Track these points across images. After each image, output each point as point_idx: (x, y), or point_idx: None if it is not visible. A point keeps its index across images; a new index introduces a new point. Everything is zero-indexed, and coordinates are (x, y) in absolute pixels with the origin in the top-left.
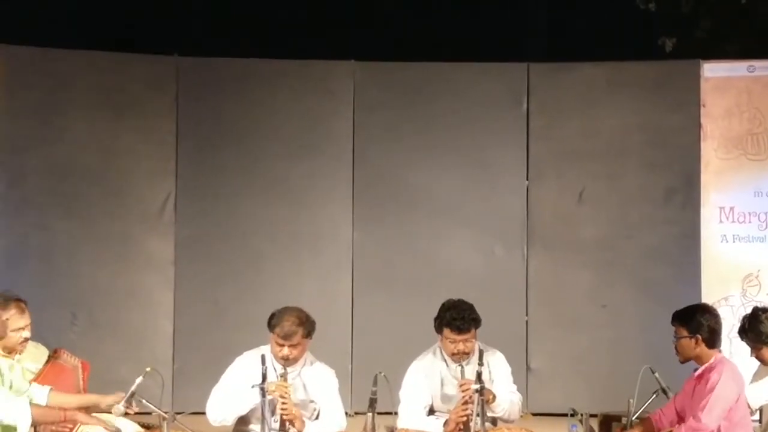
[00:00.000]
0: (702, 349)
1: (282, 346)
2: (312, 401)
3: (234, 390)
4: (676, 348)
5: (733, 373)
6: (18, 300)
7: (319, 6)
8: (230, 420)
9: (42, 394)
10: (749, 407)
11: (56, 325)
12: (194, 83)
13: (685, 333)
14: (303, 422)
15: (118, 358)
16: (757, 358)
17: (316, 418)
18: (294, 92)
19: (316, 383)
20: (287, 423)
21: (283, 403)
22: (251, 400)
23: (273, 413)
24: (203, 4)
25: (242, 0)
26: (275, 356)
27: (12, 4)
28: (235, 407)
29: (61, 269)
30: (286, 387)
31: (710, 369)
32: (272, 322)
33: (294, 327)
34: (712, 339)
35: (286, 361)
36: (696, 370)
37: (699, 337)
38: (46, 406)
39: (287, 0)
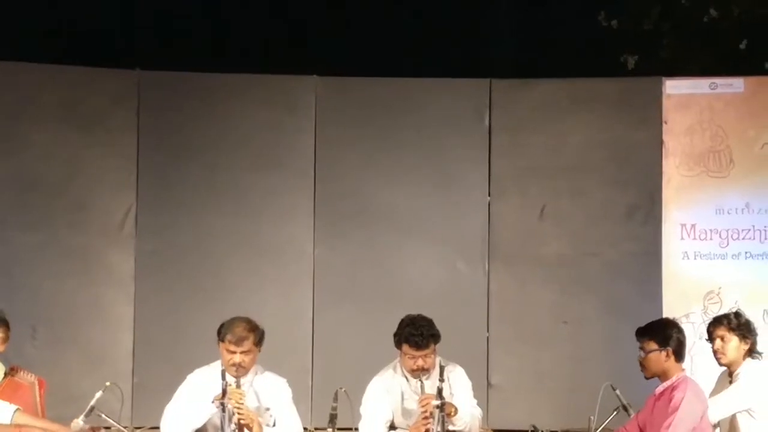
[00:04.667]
0: (671, 362)
1: (233, 353)
2: (267, 408)
3: (188, 405)
4: (641, 363)
5: (697, 391)
6: None
7: (281, 21)
8: None
9: (8, 411)
10: None
11: (16, 338)
12: (155, 97)
13: (654, 346)
14: (260, 426)
15: (77, 372)
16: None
17: (273, 426)
18: (256, 107)
19: (269, 392)
20: (244, 428)
21: (239, 409)
22: (206, 411)
23: (230, 421)
24: (165, 19)
25: (204, 15)
26: (227, 366)
27: None
28: (190, 421)
29: (21, 282)
30: (240, 393)
31: (673, 388)
32: (222, 331)
33: (245, 332)
34: (681, 352)
35: (238, 370)
36: (657, 387)
37: (669, 349)
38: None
39: (249, 15)
